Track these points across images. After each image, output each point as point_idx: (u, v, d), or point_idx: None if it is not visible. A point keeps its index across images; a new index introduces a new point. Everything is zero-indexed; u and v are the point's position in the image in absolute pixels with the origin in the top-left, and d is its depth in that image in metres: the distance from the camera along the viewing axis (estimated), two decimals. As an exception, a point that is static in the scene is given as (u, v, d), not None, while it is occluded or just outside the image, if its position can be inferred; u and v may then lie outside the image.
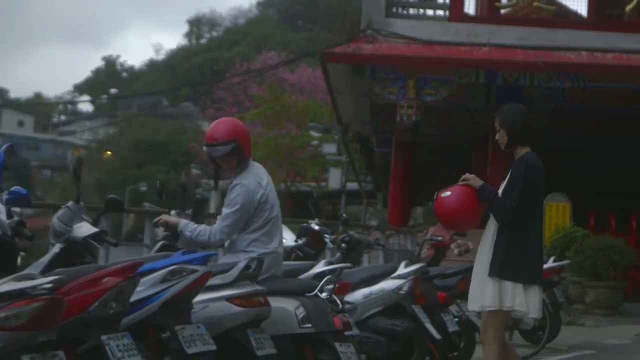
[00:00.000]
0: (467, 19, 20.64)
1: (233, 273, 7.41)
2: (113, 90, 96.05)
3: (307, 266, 8.87)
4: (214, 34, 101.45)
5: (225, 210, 7.69)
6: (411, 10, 21.13)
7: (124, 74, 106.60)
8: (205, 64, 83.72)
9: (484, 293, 7.35)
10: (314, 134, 34.97)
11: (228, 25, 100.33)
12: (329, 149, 34.48)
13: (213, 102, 49.82)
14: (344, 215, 12.59)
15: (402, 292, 10.29)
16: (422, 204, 41.16)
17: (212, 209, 51.16)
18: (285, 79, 43.35)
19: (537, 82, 19.86)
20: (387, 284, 10.32)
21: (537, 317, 7.47)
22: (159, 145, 66.06)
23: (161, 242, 8.10)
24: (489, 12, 21.27)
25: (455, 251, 13.74)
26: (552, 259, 13.73)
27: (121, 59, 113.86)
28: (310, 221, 11.34)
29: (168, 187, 60.76)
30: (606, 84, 20.41)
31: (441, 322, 10.72)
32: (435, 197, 7.62)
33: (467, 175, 7.63)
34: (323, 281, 8.39)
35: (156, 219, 8.02)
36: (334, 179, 35.29)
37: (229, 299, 7.32)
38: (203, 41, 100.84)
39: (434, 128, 25.43)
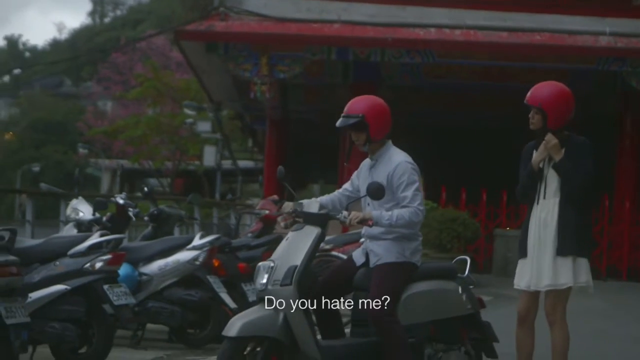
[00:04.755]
0: (320, -4, 20.88)
1: (-18, 244, 7.60)
2: (16, 71, 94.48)
3: (82, 237, 9.10)
4: (118, 12, 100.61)
5: (408, 192, 7.24)
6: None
7: (27, 54, 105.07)
8: (109, 43, 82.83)
9: (557, 272, 7.35)
10: (188, 112, 35.14)
11: (132, 4, 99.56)
12: (204, 127, 34.68)
13: (99, 81, 49.72)
14: (145, 189, 12.78)
15: (197, 262, 10.57)
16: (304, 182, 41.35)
17: (104, 188, 51.13)
18: (171, 57, 43.35)
19: (387, 58, 20.21)
20: (183, 256, 10.59)
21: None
22: (56, 125, 65.43)
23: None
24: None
25: (282, 224, 13.94)
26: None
27: (24, 39, 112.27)
28: (116, 195, 11.55)
29: (65, 167, 60.38)
30: (455, 60, 20.91)
31: (242, 292, 11.04)
32: None
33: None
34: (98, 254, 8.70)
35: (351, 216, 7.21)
36: (209, 156, 35.51)
37: (-23, 269, 7.50)
38: (107, 20, 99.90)
39: (302, 105, 25.72)
